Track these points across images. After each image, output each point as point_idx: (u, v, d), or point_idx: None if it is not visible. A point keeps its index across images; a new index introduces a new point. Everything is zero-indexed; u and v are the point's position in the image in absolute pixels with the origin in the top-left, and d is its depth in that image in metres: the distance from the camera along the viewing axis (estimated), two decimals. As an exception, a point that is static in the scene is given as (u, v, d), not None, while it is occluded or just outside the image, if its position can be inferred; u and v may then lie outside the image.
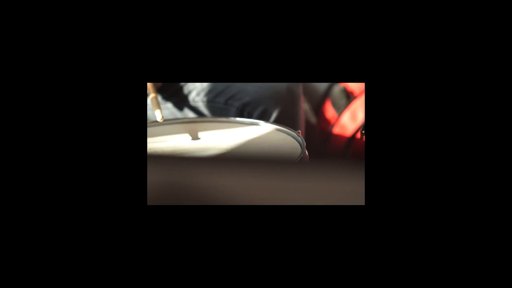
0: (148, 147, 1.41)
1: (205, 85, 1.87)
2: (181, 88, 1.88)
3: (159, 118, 1.52)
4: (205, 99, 1.85)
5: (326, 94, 2.19)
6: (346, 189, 0.84)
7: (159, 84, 1.84)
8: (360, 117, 2.07)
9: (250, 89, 1.82)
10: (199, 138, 1.47)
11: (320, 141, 2.14)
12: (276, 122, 1.70)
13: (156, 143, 1.45)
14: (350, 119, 2.09)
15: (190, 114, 1.86)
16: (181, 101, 1.87)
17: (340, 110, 2.12)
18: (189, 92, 1.87)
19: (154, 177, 0.86)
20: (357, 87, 2.13)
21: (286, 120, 1.79)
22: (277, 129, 1.50)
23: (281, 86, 1.82)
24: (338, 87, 2.17)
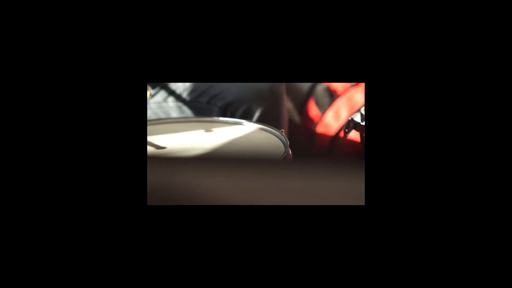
0: None
1: (187, 85, 1.85)
2: (164, 88, 1.87)
3: (148, 93, 1.50)
4: (187, 99, 1.84)
5: (310, 93, 2.19)
6: (346, 189, 0.84)
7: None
8: (344, 115, 2.07)
9: (233, 89, 1.81)
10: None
11: (304, 140, 2.14)
12: (259, 121, 1.70)
13: None
14: (334, 118, 2.09)
15: (173, 114, 1.85)
16: (164, 101, 1.86)
17: (323, 109, 2.13)
18: (172, 92, 1.86)
19: (152, 177, 0.85)
20: (340, 86, 2.13)
21: (269, 119, 1.78)
22: (261, 128, 1.50)
23: (264, 85, 1.81)
24: (321, 86, 2.17)
